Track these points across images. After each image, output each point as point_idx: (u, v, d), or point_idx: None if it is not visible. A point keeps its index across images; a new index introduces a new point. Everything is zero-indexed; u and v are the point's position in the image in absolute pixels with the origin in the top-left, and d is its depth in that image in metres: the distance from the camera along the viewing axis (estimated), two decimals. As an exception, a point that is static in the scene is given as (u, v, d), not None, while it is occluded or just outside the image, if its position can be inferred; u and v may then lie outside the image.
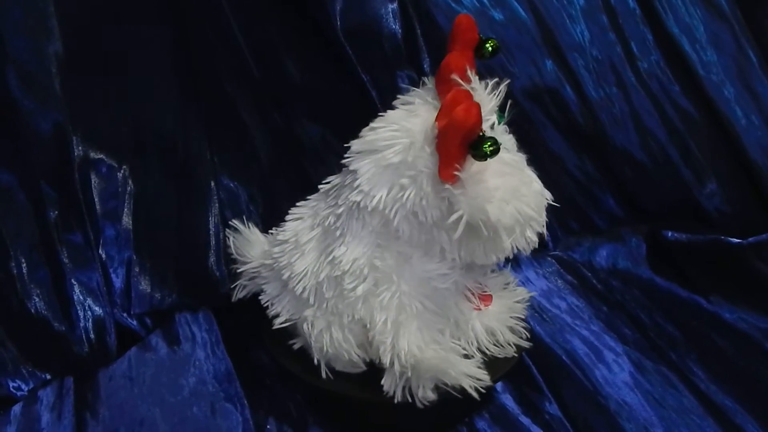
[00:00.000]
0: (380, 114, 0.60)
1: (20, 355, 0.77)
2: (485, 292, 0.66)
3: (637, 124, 0.89)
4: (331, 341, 0.62)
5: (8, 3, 0.73)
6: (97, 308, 0.79)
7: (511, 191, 0.56)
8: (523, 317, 0.68)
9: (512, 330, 0.67)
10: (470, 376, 0.59)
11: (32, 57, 0.75)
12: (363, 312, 0.61)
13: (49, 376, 0.77)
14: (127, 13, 0.80)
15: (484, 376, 0.59)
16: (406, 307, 0.60)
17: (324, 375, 0.64)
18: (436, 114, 0.56)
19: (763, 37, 0.87)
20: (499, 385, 0.72)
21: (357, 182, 0.57)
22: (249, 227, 0.74)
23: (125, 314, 0.82)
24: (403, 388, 0.60)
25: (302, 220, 0.65)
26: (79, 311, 0.78)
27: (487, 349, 0.65)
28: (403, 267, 0.61)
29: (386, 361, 0.59)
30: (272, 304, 0.67)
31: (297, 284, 0.62)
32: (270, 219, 0.86)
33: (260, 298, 0.68)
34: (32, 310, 0.78)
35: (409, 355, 0.58)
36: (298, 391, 0.72)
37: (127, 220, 0.82)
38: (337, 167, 0.63)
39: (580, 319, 0.83)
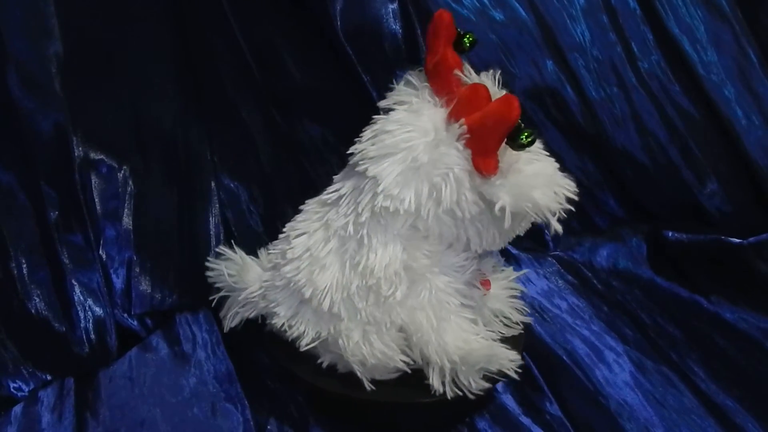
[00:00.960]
0: (376, 117, 0.60)
1: (21, 355, 0.77)
2: (485, 277, 0.68)
3: (637, 124, 0.89)
4: (371, 351, 0.61)
5: (9, 3, 0.73)
6: (97, 309, 0.79)
7: (549, 176, 0.58)
8: (520, 293, 0.72)
9: (515, 308, 0.71)
10: (512, 360, 0.62)
11: (32, 57, 0.75)
12: (403, 315, 0.61)
13: (49, 377, 0.77)
14: (127, 13, 0.80)
15: (519, 358, 0.63)
16: (444, 304, 0.62)
17: (368, 387, 0.62)
18: (441, 110, 0.57)
19: (764, 37, 0.87)
20: (499, 385, 0.72)
21: (381, 187, 0.57)
22: (237, 252, 0.71)
23: (126, 315, 0.82)
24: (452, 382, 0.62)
25: (309, 234, 0.63)
26: (79, 312, 0.78)
27: (499, 331, 0.68)
28: (435, 265, 0.62)
29: (436, 359, 0.61)
30: (291, 326, 0.64)
31: (324, 299, 0.60)
32: (270, 219, 0.86)
33: (273, 322, 0.65)
34: (33, 311, 0.78)
35: (456, 349, 0.60)
36: (299, 391, 0.72)
37: (127, 220, 0.82)
38: (338, 167, 0.63)
39: (581, 319, 0.83)
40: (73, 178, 0.78)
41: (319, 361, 0.65)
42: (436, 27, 0.60)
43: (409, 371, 0.63)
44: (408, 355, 0.63)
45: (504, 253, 0.92)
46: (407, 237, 0.60)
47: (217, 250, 0.73)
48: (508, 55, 0.86)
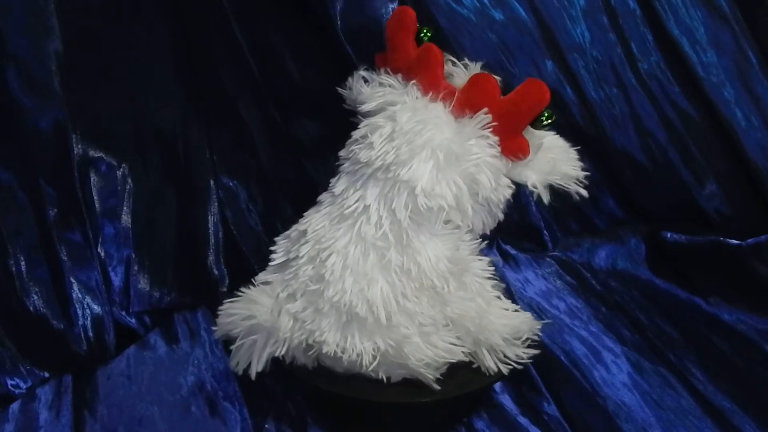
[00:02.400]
0: (369, 121, 0.61)
1: (19, 353, 0.77)
2: None
3: (636, 125, 0.89)
4: (436, 352, 0.61)
5: (8, 1, 0.74)
6: (95, 306, 0.79)
7: (563, 148, 0.63)
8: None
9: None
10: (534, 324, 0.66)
11: (32, 55, 0.75)
12: (456, 309, 0.63)
13: (47, 374, 0.77)
14: (127, 12, 0.80)
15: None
16: (486, 288, 0.65)
17: (436, 388, 0.62)
18: (440, 104, 0.60)
19: (764, 38, 0.87)
20: (497, 386, 0.72)
21: (419, 188, 0.58)
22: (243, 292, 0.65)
23: (124, 313, 0.82)
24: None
25: (340, 252, 0.61)
26: (77, 309, 0.78)
27: None
28: (473, 253, 0.64)
29: (491, 342, 0.63)
30: (344, 349, 0.61)
31: (380, 313, 0.59)
32: (269, 218, 0.86)
33: (324, 351, 0.61)
34: (31, 308, 0.78)
35: (505, 328, 0.64)
36: (297, 390, 0.72)
37: (126, 218, 0.82)
38: (337, 167, 0.63)
39: (579, 319, 0.83)
40: (72, 176, 0.78)
41: (379, 377, 0.62)
42: (403, 23, 0.62)
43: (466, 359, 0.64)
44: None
45: (503, 253, 0.92)
46: (443, 231, 0.62)
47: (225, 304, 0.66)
48: (507, 55, 0.86)
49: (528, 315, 0.67)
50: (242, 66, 0.84)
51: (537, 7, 0.85)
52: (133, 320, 0.82)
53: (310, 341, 0.61)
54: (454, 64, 0.65)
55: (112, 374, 0.76)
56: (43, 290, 0.78)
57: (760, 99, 0.86)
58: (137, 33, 0.80)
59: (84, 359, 0.78)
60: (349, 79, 0.67)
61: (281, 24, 0.83)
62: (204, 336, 0.80)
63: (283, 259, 0.64)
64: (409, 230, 0.60)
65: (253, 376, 0.62)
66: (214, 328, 0.66)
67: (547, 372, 0.74)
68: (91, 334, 0.79)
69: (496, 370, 0.63)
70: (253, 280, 0.66)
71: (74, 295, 0.78)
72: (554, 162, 0.61)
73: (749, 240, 0.84)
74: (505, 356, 0.64)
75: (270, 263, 0.66)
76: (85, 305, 0.79)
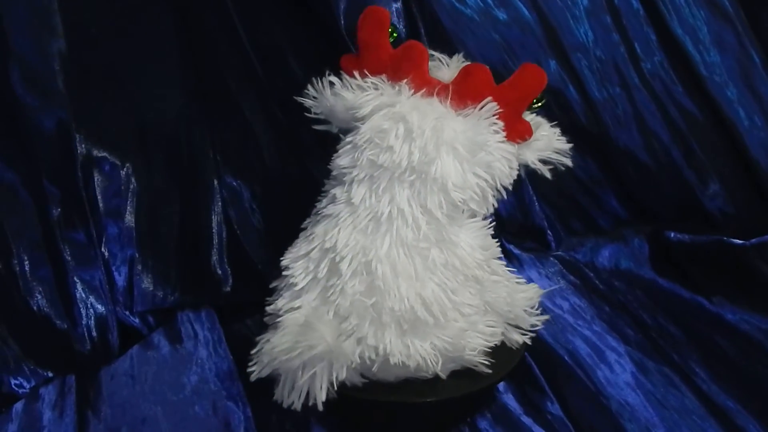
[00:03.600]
0: (364, 127, 0.61)
1: (22, 352, 0.77)
2: None
3: (640, 125, 0.89)
4: (486, 338, 0.64)
5: (12, 0, 0.73)
6: (99, 306, 0.79)
7: (544, 125, 0.65)
8: None
9: None
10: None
11: (36, 54, 0.75)
12: (492, 294, 0.65)
13: (51, 374, 0.77)
14: (131, 11, 0.80)
15: None
16: (502, 266, 0.69)
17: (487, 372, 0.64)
18: (435, 100, 0.61)
19: (767, 38, 0.87)
20: (501, 385, 0.72)
21: (450, 183, 0.59)
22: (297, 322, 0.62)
23: (127, 312, 0.82)
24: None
25: (384, 262, 0.60)
26: (81, 309, 0.78)
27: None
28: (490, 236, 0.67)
29: (520, 316, 0.67)
30: (409, 356, 0.60)
31: (438, 314, 0.60)
32: (273, 217, 0.86)
33: (392, 363, 0.60)
34: (34, 308, 0.78)
35: (528, 301, 0.68)
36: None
37: (129, 218, 0.82)
38: (336, 177, 0.63)
39: (583, 319, 0.83)
40: (75, 176, 0.77)
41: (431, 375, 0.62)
42: (379, 23, 0.62)
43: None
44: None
45: (506, 253, 0.92)
46: (468, 222, 0.64)
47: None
48: (511, 55, 0.86)
49: (534, 285, 0.71)
50: (246, 66, 0.84)
51: (540, 7, 0.85)
52: (137, 320, 0.82)
53: (374, 357, 0.59)
54: (431, 58, 0.66)
55: (115, 374, 0.76)
56: (46, 290, 0.78)
57: (763, 98, 0.86)
58: (141, 33, 0.80)
59: (87, 359, 0.78)
60: (310, 87, 0.66)
61: (285, 23, 0.83)
62: (207, 335, 0.80)
63: (307, 281, 0.62)
64: (446, 226, 0.61)
65: (320, 407, 0.59)
66: (252, 368, 0.61)
67: (550, 371, 0.74)
68: (94, 333, 0.79)
69: (521, 343, 0.68)
70: (268, 309, 0.64)
71: (78, 295, 0.78)
72: (546, 138, 0.64)
73: (753, 239, 0.84)
74: (523, 328, 0.68)
75: (292, 287, 0.63)
76: (89, 305, 0.79)
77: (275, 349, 0.59)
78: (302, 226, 0.67)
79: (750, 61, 0.86)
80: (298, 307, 0.61)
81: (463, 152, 0.59)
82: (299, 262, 0.63)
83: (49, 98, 0.76)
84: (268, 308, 0.64)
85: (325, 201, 0.65)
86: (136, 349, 0.79)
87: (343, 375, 0.59)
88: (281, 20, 0.83)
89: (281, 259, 0.65)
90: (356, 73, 0.64)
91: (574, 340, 0.79)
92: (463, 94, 0.60)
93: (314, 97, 0.67)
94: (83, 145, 0.79)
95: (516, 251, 0.92)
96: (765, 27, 0.87)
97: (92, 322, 0.79)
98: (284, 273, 0.64)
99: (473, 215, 0.64)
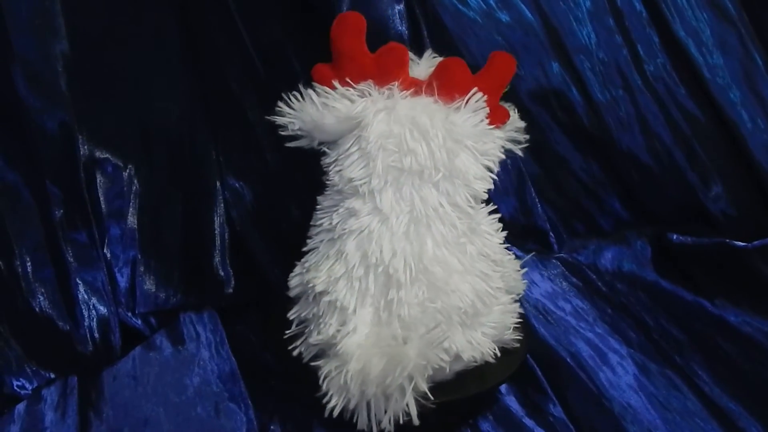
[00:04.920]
0: (362, 136, 0.61)
1: (24, 353, 0.77)
2: None
3: (643, 127, 0.89)
4: (513, 316, 0.67)
5: (15, 2, 0.73)
6: (101, 307, 0.79)
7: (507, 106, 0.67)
8: None
9: None
10: None
11: (39, 56, 0.75)
12: (506, 280, 0.68)
13: (53, 375, 0.77)
14: (133, 12, 0.80)
15: None
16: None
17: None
18: (422, 97, 0.61)
19: (770, 40, 0.87)
20: (503, 387, 0.72)
21: (471, 175, 0.61)
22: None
23: (130, 313, 0.82)
24: None
25: (436, 262, 0.60)
26: (83, 310, 0.78)
27: None
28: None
29: (522, 288, 0.71)
30: (474, 349, 0.62)
31: (487, 302, 0.63)
32: (275, 219, 0.86)
33: (466, 359, 0.62)
34: (37, 309, 0.78)
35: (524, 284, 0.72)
36: (303, 391, 0.72)
37: (132, 219, 0.82)
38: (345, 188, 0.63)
39: (585, 321, 0.83)
40: (78, 177, 0.78)
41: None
42: (357, 29, 0.63)
43: None
44: None
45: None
46: (479, 209, 0.66)
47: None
48: (514, 57, 0.86)
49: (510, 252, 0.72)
50: (248, 67, 0.84)
51: (543, 9, 0.85)
52: (139, 321, 0.82)
53: (448, 358, 0.59)
54: None
55: (117, 375, 0.76)
56: (48, 291, 0.78)
57: (766, 101, 0.86)
58: (143, 34, 0.80)
59: (90, 360, 0.78)
60: (282, 104, 0.64)
61: (287, 25, 0.83)
62: (210, 337, 0.80)
63: (355, 301, 0.60)
64: (473, 218, 0.63)
65: (416, 421, 0.57)
66: (333, 401, 0.58)
67: (553, 373, 0.74)
68: (96, 335, 0.79)
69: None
70: (313, 339, 0.62)
71: (80, 296, 0.79)
72: (517, 121, 0.66)
73: (755, 242, 0.84)
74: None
75: (340, 311, 0.60)
76: (91, 306, 0.79)
77: (368, 376, 0.56)
78: (309, 247, 0.65)
79: (753, 63, 0.86)
80: (353, 330, 0.60)
81: (472, 144, 0.60)
82: (340, 284, 0.61)
83: (51, 99, 0.76)
84: (313, 339, 0.62)
85: (338, 216, 0.62)
86: (138, 351, 0.79)
87: (425, 385, 0.57)
88: (283, 21, 0.83)
89: (293, 288, 0.65)
90: (336, 83, 0.62)
91: (577, 342, 0.79)
92: (448, 87, 0.61)
93: (289, 113, 0.64)
94: (86, 147, 0.79)
95: (518, 253, 0.92)
96: (768, 29, 0.87)
97: (94, 323, 0.79)
98: (325, 299, 0.61)
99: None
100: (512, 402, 0.71)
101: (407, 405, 0.56)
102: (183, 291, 0.84)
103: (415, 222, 0.60)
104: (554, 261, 0.92)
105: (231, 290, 0.85)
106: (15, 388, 0.75)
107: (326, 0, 0.80)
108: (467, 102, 0.60)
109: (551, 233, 0.94)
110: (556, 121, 0.90)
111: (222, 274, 0.85)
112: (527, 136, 0.67)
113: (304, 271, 0.64)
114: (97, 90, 0.79)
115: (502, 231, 0.68)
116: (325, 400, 0.58)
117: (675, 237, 0.89)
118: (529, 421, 0.69)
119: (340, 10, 0.80)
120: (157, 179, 0.83)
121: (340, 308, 0.60)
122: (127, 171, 0.82)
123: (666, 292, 0.87)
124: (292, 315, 0.65)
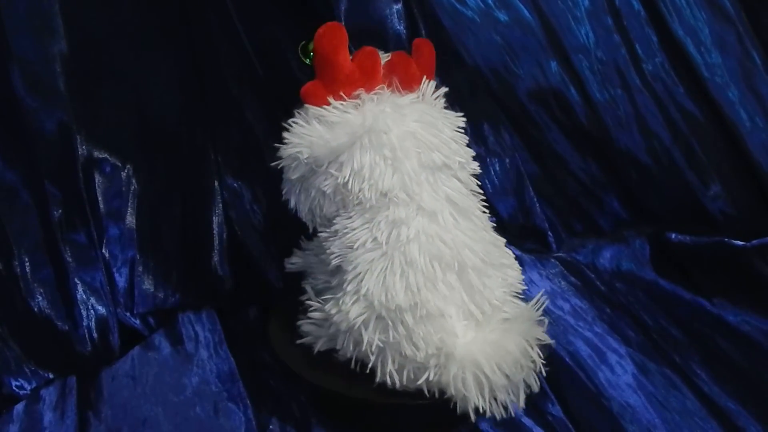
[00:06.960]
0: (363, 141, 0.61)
1: (23, 353, 0.77)
2: None
3: (641, 126, 0.89)
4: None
5: (13, 2, 0.74)
6: (100, 307, 0.79)
7: None
8: None
9: None
10: None
11: (37, 56, 0.75)
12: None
13: (51, 375, 0.77)
14: (131, 13, 0.80)
15: None
16: None
17: None
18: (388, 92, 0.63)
19: (768, 39, 0.87)
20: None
21: (472, 165, 0.65)
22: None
23: (128, 313, 0.82)
24: None
25: (473, 253, 0.62)
26: (82, 310, 0.79)
27: None
28: None
29: None
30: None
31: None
32: (273, 219, 0.86)
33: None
34: (35, 309, 0.78)
35: None
36: (302, 391, 0.72)
37: (130, 219, 0.82)
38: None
39: (584, 320, 0.83)
40: (76, 177, 0.78)
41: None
42: (342, 40, 0.62)
43: None
44: None
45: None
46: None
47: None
48: (512, 56, 0.86)
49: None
50: (247, 66, 0.84)
51: (541, 8, 0.85)
52: (138, 321, 0.82)
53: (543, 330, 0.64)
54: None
55: (116, 375, 0.76)
56: (47, 291, 0.79)
57: (765, 99, 0.86)
58: (141, 34, 0.80)
59: (88, 360, 0.78)
60: (287, 134, 0.65)
61: (286, 25, 0.83)
62: (208, 337, 0.80)
63: (443, 302, 0.61)
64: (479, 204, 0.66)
65: (521, 406, 0.62)
66: (473, 406, 0.60)
67: (551, 373, 0.74)
68: (95, 335, 0.79)
69: None
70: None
71: (79, 296, 0.79)
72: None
73: (754, 241, 0.84)
74: None
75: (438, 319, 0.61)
76: (90, 306, 0.79)
77: (490, 368, 0.59)
78: (352, 273, 0.61)
79: (751, 62, 0.86)
80: (455, 332, 0.61)
81: (455, 132, 0.64)
82: (424, 293, 0.59)
83: (50, 100, 0.76)
84: (419, 357, 0.60)
85: (379, 230, 0.60)
86: (137, 351, 0.79)
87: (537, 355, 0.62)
88: (282, 21, 0.83)
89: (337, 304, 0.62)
90: (331, 99, 0.63)
91: (575, 341, 0.79)
92: (407, 81, 0.63)
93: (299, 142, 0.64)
94: (84, 147, 0.79)
95: (517, 252, 0.92)
96: (766, 28, 0.87)
97: (93, 323, 0.79)
98: (416, 313, 0.59)
99: None
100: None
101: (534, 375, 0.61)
102: (181, 291, 0.84)
103: (458, 213, 0.62)
104: (553, 260, 0.92)
105: (229, 290, 0.85)
106: (14, 388, 0.75)
107: (325, 0, 0.80)
108: (425, 91, 0.64)
109: (550, 233, 0.94)
110: (554, 120, 0.90)
111: (220, 273, 0.85)
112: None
113: (356, 299, 0.60)
114: (95, 90, 0.79)
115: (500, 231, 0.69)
116: (458, 407, 0.60)
117: (674, 236, 0.89)
118: (527, 421, 0.69)
119: (338, 10, 0.81)
120: (156, 179, 0.83)
121: (435, 316, 0.60)
122: (126, 171, 0.82)
123: (665, 292, 0.87)
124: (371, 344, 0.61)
